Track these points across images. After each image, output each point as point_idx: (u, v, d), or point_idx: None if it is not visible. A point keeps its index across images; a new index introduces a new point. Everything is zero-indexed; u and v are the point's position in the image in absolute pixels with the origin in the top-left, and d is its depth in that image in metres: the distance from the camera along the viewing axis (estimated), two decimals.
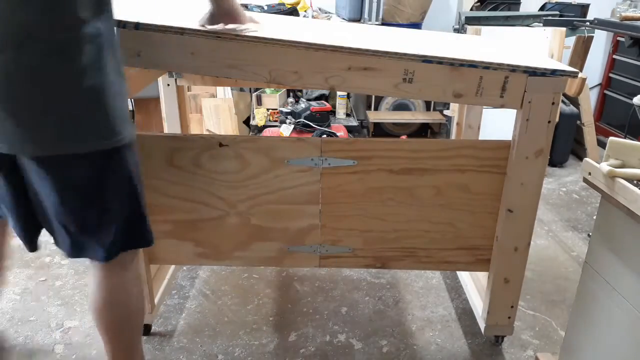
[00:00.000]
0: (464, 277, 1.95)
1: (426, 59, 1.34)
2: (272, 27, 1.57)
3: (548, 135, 1.42)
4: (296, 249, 1.64)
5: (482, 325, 1.69)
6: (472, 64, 1.35)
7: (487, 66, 1.35)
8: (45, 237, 1.22)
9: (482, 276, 1.79)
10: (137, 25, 1.31)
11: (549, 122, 1.40)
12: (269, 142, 1.51)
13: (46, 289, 1.99)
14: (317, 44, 1.34)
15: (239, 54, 1.35)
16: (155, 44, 1.34)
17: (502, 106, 1.41)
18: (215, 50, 1.35)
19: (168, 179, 1.53)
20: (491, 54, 1.50)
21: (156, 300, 1.72)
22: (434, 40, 1.69)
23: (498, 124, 2.79)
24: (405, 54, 1.34)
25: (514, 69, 1.35)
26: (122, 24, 1.31)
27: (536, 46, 3.06)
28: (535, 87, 1.36)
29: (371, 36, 1.65)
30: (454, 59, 1.35)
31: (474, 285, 1.86)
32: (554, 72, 1.35)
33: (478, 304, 1.76)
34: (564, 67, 1.39)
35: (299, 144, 1.51)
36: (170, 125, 2.14)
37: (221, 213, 1.58)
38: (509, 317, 1.65)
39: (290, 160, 1.52)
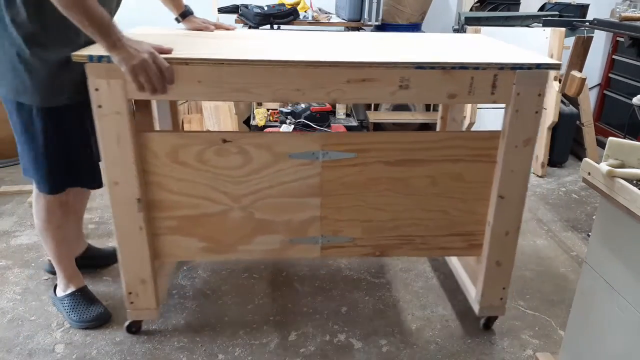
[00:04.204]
0: (454, 262, 2.04)
1: (419, 66, 1.43)
2: (271, 46, 1.62)
3: (535, 124, 1.51)
4: (298, 240, 1.67)
5: (475, 308, 1.77)
6: (463, 66, 1.44)
7: (476, 66, 1.44)
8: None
9: (473, 261, 1.87)
10: None
11: (536, 112, 1.49)
12: (271, 138, 1.54)
13: (47, 288, 1.99)
14: (316, 61, 1.41)
15: (244, 77, 1.40)
16: None
17: (494, 102, 1.50)
18: (221, 76, 1.40)
19: (173, 175, 1.55)
20: (481, 54, 1.58)
21: (156, 300, 1.72)
22: (427, 44, 1.74)
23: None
24: (399, 63, 1.43)
25: (502, 66, 1.44)
26: None
27: (536, 46, 3.07)
28: (522, 80, 1.45)
29: (366, 46, 1.69)
30: (445, 63, 1.43)
31: (464, 271, 1.94)
32: (539, 66, 1.45)
33: (470, 289, 1.83)
34: (548, 60, 1.49)
35: (301, 138, 1.55)
36: (161, 123, 2.07)
37: (225, 208, 1.60)
38: (501, 299, 1.74)
39: (291, 155, 1.54)
